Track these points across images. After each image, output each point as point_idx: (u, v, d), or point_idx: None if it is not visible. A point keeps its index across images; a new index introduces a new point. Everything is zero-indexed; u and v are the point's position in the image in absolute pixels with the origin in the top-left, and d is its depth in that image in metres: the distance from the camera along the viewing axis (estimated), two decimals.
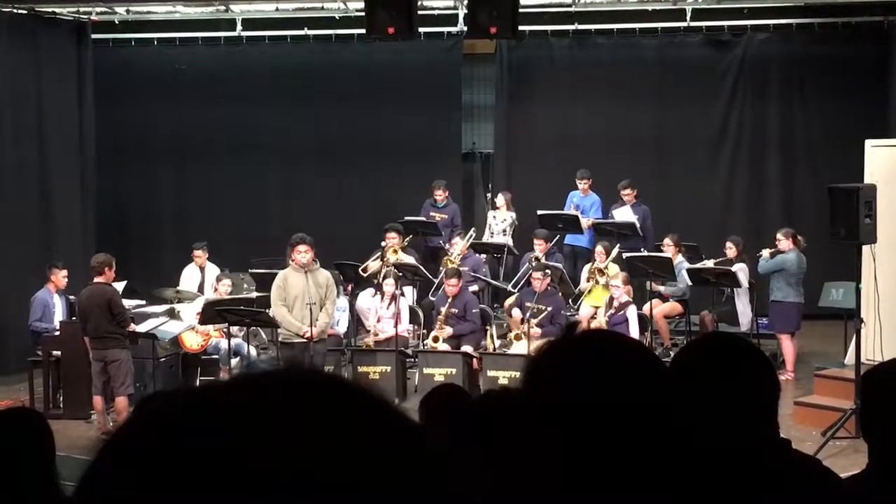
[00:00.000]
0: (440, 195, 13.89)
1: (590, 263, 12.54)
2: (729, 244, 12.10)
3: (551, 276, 11.99)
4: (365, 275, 12.23)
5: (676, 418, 1.61)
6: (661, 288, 12.09)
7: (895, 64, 13.93)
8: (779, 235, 11.73)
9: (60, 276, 11.35)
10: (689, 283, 11.91)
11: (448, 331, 11.37)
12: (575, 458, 1.51)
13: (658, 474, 1.53)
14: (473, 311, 11.58)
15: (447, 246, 13.15)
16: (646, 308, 11.52)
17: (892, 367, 2.96)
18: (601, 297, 11.79)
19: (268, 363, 12.17)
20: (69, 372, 10.63)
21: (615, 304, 11.23)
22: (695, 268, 11.85)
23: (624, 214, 13.12)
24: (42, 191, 13.39)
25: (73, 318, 10.95)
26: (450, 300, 11.48)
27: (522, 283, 11.78)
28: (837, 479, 2.44)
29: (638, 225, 12.81)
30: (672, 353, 11.73)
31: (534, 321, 11.01)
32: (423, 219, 13.64)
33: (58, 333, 10.93)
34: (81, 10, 13.59)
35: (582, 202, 13.69)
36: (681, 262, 12.07)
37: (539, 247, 12.60)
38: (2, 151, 12.84)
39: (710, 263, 11.99)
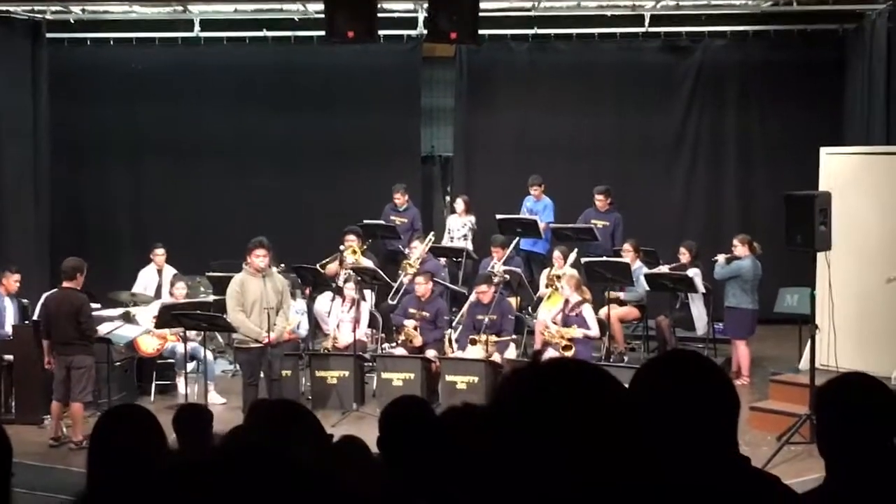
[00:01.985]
0: (400, 199, 13.89)
1: (547, 269, 12.58)
2: (682, 249, 12.20)
3: (510, 280, 12.00)
4: (323, 271, 12.16)
5: (638, 442, 1.62)
6: (621, 294, 12.14)
7: (850, 72, 14.10)
8: (735, 241, 11.83)
9: (13, 280, 11.17)
10: (647, 289, 11.98)
11: (419, 340, 11.33)
12: (540, 483, 1.52)
13: (622, 496, 1.54)
14: (444, 318, 11.56)
15: (406, 250, 13.13)
16: (602, 312, 11.57)
17: (845, 383, 2.98)
18: (559, 302, 11.83)
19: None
20: (21, 376, 10.48)
21: (568, 306, 11.26)
22: (652, 272, 11.93)
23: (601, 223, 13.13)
24: None
25: (27, 322, 10.82)
26: (422, 302, 11.44)
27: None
28: (796, 498, 2.45)
29: (606, 232, 12.88)
30: (626, 357, 11.84)
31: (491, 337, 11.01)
32: (382, 222, 13.62)
33: (10, 338, 10.77)
34: (36, 8, 13.42)
35: (535, 206, 13.73)
36: (639, 268, 12.14)
37: (496, 254, 12.61)
38: None
39: (664, 269, 12.07)
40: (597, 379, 1.55)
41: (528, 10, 13.94)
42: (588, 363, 1.64)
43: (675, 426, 2.14)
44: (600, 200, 13.30)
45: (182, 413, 5.44)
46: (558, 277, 11.76)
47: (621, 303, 12.25)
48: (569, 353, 10.80)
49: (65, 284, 9.83)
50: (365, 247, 12.67)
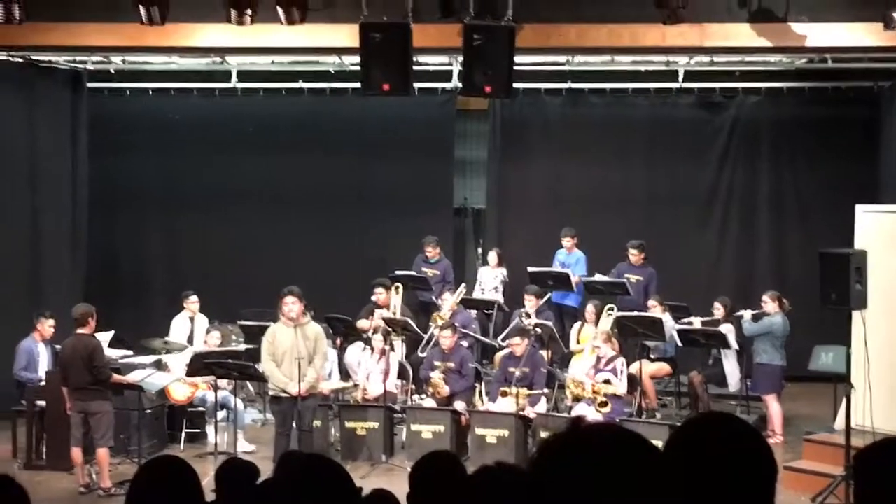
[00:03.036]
0: (431, 251, 13.91)
1: (579, 323, 12.52)
2: (717, 305, 12.12)
3: (542, 333, 11.96)
4: (367, 335, 12.12)
5: None
6: (650, 344, 12.07)
7: (885, 128, 14.06)
8: (765, 298, 11.76)
9: (47, 326, 11.27)
10: (679, 344, 11.89)
11: (446, 390, 11.29)
12: None
13: None
14: (469, 365, 11.53)
15: (437, 301, 13.13)
16: (634, 368, 11.49)
17: (886, 448, 2.93)
18: (590, 356, 11.74)
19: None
20: (53, 423, 10.52)
21: (601, 362, 11.19)
22: (684, 328, 11.84)
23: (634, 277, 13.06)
24: (32, 239, 13.35)
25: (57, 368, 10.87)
26: (446, 353, 11.42)
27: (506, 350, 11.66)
28: None
29: (639, 287, 12.81)
30: (658, 414, 11.72)
31: (522, 390, 10.95)
32: (413, 273, 13.63)
33: (43, 383, 10.84)
34: (77, 59, 13.64)
35: (567, 259, 13.70)
36: (666, 321, 12.06)
37: (530, 303, 12.60)
38: None
39: (697, 322, 11.99)
40: (637, 447, 1.55)
41: (563, 64, 14.02)
42: (627, 430, 1.63)
43: (712, 491, 2.11)
44: (634, 255, 13.24)
45: (227, 466, 5.37)
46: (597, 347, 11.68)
47: (652, 359, 12.17)
48: (605, 409, 10.72)
49: (78, 331, 9.88)
50: (399, 294, 12.68)
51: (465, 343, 12.23)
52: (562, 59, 13.82)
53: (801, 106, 14.69)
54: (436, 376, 11.33)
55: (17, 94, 13.19)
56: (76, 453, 9.82)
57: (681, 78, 14.27)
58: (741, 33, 10.67)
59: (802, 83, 14.56)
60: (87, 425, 9.74)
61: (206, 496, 3.32)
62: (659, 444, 1.94)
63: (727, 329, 11.66)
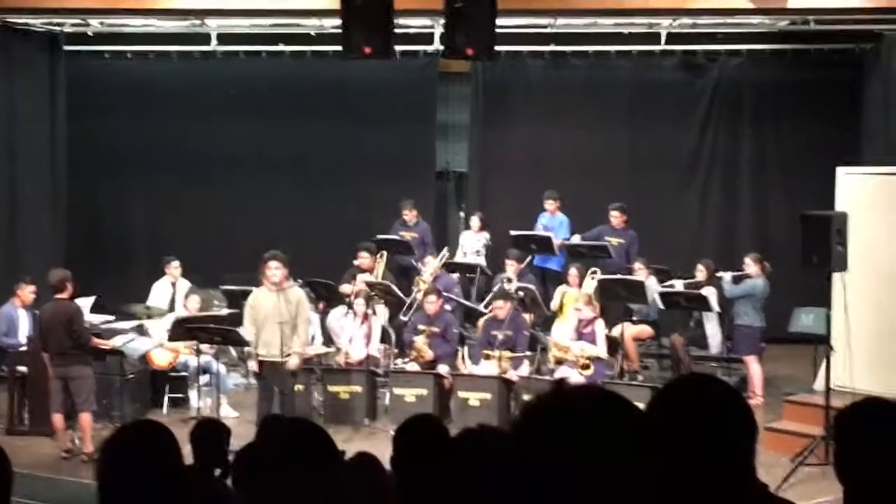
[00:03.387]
0: (409, 214, 13.88)
1: (562, 286, 12.54)
2: (700, 267, 12.14)
3: (525, 296, 11.97)
4: (350, 299, 12.10)
5: (657, 470, 1.61)
6: (632, 306, 12.12)
7: (867, 90, 14.07)
8: (747, 260, 11.80)
9: (27, 292, 11.21)
10: (661, 307, 11.94)
11: (430, 354, 11.31)
12: None
13: None
14: (454, 331, 11.55)
15: (419, 265, 13.12)
16: (616, 331, 11.53)
17: (865, 408, 2.95)
18: (572, 319, 11.77)
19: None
20: (35, 388, 10.50)
21: (581, 324, 11.23)
22: (666, 291, 11.88)
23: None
24: (11, 203, 13.25)
25: None
26: (430, 318, 11.43)
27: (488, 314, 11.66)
28: None
29: (620, 250, 12.82)
30: (640, 376, 11.78)
31: (505, 353, 10.98)
32: (396, 237, 13.62)
33: (24, 349, 10.80)
34: (55, 21, 13.48)
35: (550, 223, 13.70)
36: (651, 285, 12.09)
37: (511, 267, 12.60)
38: None
39: (679, 285, 12.02)
40: (619, 409, 1.55)
41: (545, 27, 13.95)
42: (609, 391, 1.63)
43: (693, 452, 2.12)
44: (616, 217, 13.24)
45: (199, 428, 5.42)
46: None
47: (634, 321, 12.22)
48: (587, 372, 10.77)
49: (56, 297, 9.83)
50: (381, 260, 12.66)
51: (447, 307, 12.24)
52: (544, 21, 13.75)
53: (784, 68, 14.68)
54: (419, 341, 11.34)
55: None
56: (58, 419, 9.80)
57: (663, 40, 14.22)
58: None
59: (785, 45, 14.54)
60: (68, 391, 9.71)
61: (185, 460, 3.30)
62: (641, 405, 1.94)
63: (709, 292, 11.70)
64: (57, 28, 13.74)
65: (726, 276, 11.78)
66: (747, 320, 11.62)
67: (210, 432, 5.37)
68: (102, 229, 15.35)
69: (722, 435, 2.16)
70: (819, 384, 10.06)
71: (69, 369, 9.67)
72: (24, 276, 11.51)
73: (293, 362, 9.96)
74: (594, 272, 12.12)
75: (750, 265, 11.70)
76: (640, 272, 12.22)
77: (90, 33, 14.20)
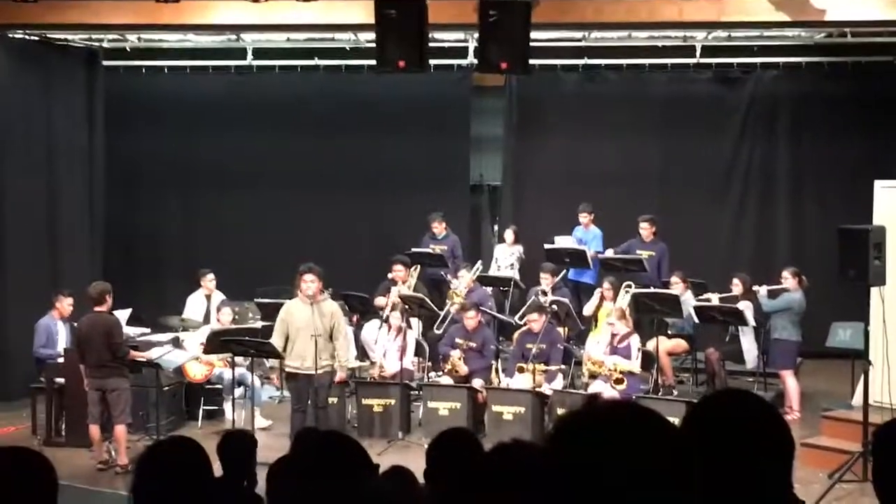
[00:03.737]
0: (438, 227, 13.89)
1: (595, 299, 12.49)
2: (735, 281, 12.05)
3: (559, 309, 11.94)
4: (385, 314, 12.14)
5: (691, 485, 1.60)
6: (668, 320, 12.06)
7: None
8: (785, 274, 11.70)
9: (66, 304, 11.32)
10: (696, 321, 11.86)
11: (464, 370, 11.29)
12: None
13: None
14: (491, 347, 11.53)
15: (449, 277, 13.11)
16: (651, 345, 11.46)
17: None
18: (606, 333, 11.72)
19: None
20: (72, 400, 10.59)
21: (616, 339, 11.18)
22: (701, 305, 11.80)
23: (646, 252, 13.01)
24: (50, 216, 13.39)
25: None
26: (469, 333, 11.42)
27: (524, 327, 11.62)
28: None
29: (652, 262, 12.76)
30: (675, 391, 11.70)
31: (539, 366, 10.95)
32: (429, 250, 13.62)
33: (61, 360, 10.90)
34: (93, 37, 13.65)
35: (583, 236, 13.68)
36: (687, 299, 12.02)
37: (546, 280, 12.58)
38: (11, 177, 12.86)
39: (715, 299, 11.94)
40: (653, 424, 1.54)
41: (579, 40, 13.95)
42: (643, 406, 1.63)
43: (729, 468, 2.10)
44: (645, 230, 13.20)
45: (226, 439, 5.44)
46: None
47: (669, 335, 12.15)
48: (621, 387, 10.71)
49: (95, 309, 9.91)
50: (415, 274, 12.67)
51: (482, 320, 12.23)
52: (578, 34, 13.76)
53: (820, 81, 14.58)
54: (455, 356, 11.33)
55: (33, 73, 13.21)
56: (94, 430, 9.87)
57: (698, 53, 14.18)
58: (759, 8, 10.59)
59: (821, 58, 14.45)
60: (105, 402, 9.78)
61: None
62: (676, 420, 1.93)
63: (745, 306, 11.60)
64: (95, 44, 13.91)
65: (762, 290, 11.69)
66: (784, 334, 11.52)
67: (237, 444, 5.39)
68: (139, 242, 15.49)
69: (758, 451, 2.14)
70: (857, 399, 9.95)
71: (107, 381, 9.74)
72: (62, 288, 11.63)
73: (340, 374, 10.02)
74: (628, 286, 12.07)
75: (787, 279, 11.61)
76: (677, 286, 12.15)
77: (128, 48, 14.36)
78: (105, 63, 14.30)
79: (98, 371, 9.74)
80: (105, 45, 14.00)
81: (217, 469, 5.46)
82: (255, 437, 5.75)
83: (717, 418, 2.19)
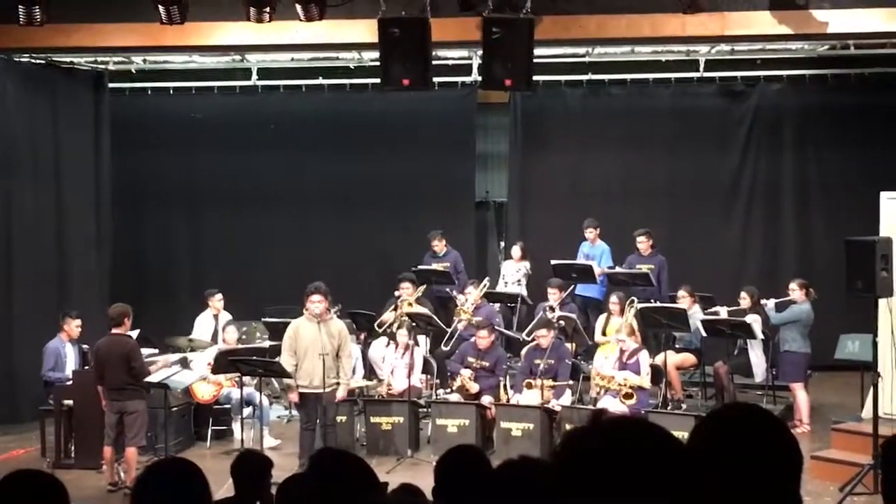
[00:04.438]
0: (438, 245, 13.87)
1: (604, 315, 12.49)
2: (743, 294, 12.04)
3: (566, 325, 11.93)
4: (380, 330, 12.20)
5: (699, 500, 1.60)
6: (675, 334, 12.04)
7: None
8: (792, 286, 11.70)
9: (74, 326, 11.34)
10: (704, 334, 11.84)
11: (475, 388, 11.28)
12: None
13: None
14: (503, 367, 11.51)
15: (455, 294, 13.10)
16: (659, 359, 11.44)
17: None
18: (614, 348, 11.71)
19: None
20: (81, 421, 10.59)
21: (625, 355, 11.15)
22: (709, 319, 11.78)
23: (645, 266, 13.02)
24: (57, 238, 13.42)
25: (87, 368, 10.92)
26: (481, 352, 11.40)
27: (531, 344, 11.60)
28: None
29: (653, 276, 12.76)
30: (684, 405, 11.67)
31: (547, 382, 10.94)
32: (436, 267, 13.62)
33: (70, 383, 10.91)
34: (99, 59, 13.71)
35: (591, 251, 13.68)
36: (695, 313, 12.01)
37: (553, 296, 12.57)
38: (18, 199, 12.91)
39: (723, 312, 11.92)
40: (660, 440, 1.54)
41: (582, 55, 13.98)
42: (649, 422, 1.63)
43: (737, 483, 2.10)
44: (643, 243, 13.23)
45: (241, 459, 5.43)
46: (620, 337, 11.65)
47: (677, 349, 12.13)
48: (630, 401, 10.69)
49: (113, 331, 9.92)
50: (419, 293, 12.68)
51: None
52: (581, 50, 13.79)
53: (824, 93, 14.60)
54: (466, 374, 11.31)
55: (40, 96, 13.27)
56: (108, 452, 9.85)
57: (701, 67, 14.21)
58: (762, 21, 10.60)
59: (825, 70, 14.48)
60: (122, 424, 9.78)
61: (213, 496, 3.33)
62: (684, 435, 1.93)
63: (753, 319, 11.59)
64: (101, 66, 13.97)
65: (769, 303, 11.68)
66: (794, 346, 11.50)
67: (251, 464, 5.38)
68: (146, 263, 15.52)
69: (767, 465, 2.14)
70: (867, 412, 9.92)
71: (126, 404, 9.73)
72: (70, 310, 11.65)
73: (340, 393, 10.03)
74: (631, 302, 12.05)
75: (795, 291, 11.60)
76: (684, 300, 12.14)
77: (133, 70, 14.42)
78: (111, 85, 14.35)
79: (117, 393, 9.73)
80: (111, 67, 14.06)
81: (223, 490, 5.47)
82: (270, 458, 5.73)
83: (724, 432, 2.19)
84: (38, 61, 13.14)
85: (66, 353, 11.31)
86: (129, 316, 9.94)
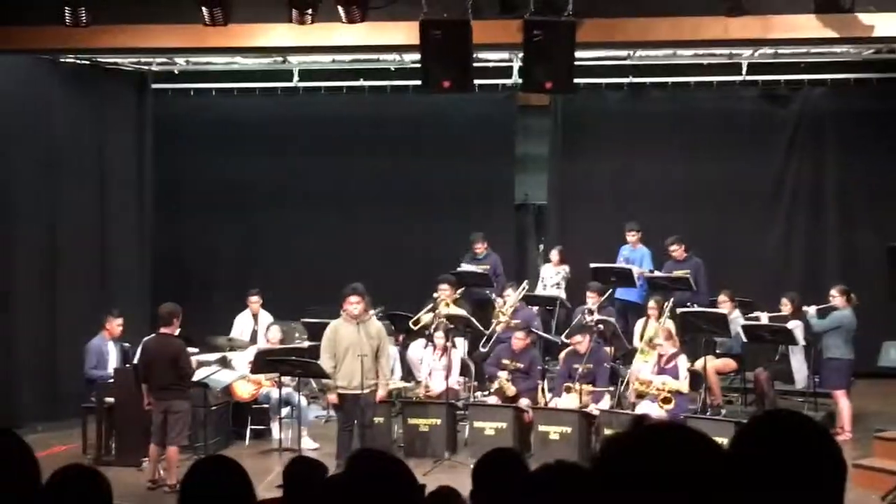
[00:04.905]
0: (479, 248, 13.87)
1: (643, 319, 12.42)
2: (784, 300, 11.94)
3: (604, 330, 11.88)
4: (416, 328, 12.22)
5: None
6: (716, 339, 11.95)
7: None
8: (833, 292, 11.57)
9: (116, 324, 11.46)
10: (744, 340, 11.74)
11: (512, 391, 11.27)
12: None
13: None
14: (538, 368, 11.49)
15: (494, 296, 13.09)
16: (698, 364, 11.36)
17: None
18: (653, 353, 11.64)
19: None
20: (122, 419, 10.71)
21: (663, 359, 11.09)
22: (749, 324, 11.68)
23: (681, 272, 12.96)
24: (100, 238, 13.58)
25: (128, 366, 11.03)
26: (516, 353, 11.39)
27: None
28: None
29: (692, 279, 12.68)
30: (724, 411, 11.57)
31: (586, 387, 10.91)
32: (475, 269, 13.60)
33: (112, 381, 11.01)
34: (142, 60, 13.85)
35: (631, 255, 13.61)
36: (735, 318, 11.91)
37: (592, 299, 12.54)
38: (62, 199, 13.07)
39: (764, 318, 11.82)
40: (701, 445, 1.53)
41: (624, 58, 13.92)
42: (690, 428, 1.61)
43: (778, 491, 2.07)
44: (676, 250, 13.17)
45: (294, 464, 5.42)
46: (651, 340, 11.60)
47: (717, 354, 12.03)
48: (668, 406, 10.62)
49: (162, 330, 10.00)
50: (458, 295, 12.68)
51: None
52: (623, 53, 13.73)
53: (869, 97, 14.42)
54: (503, 377, 11.29)
55: (84, 97, 13.43)
56: (154, 450, 9.94)
57: (744, 70, 14.08)
58: (806, 24, 10.48)
59: (870, 74, 14.30)
60: (164, 423, 9.86)
61: (257, 496, 3.36)
62: (724, 441, 1.91)
63: (794, 325, 11.48)
64: (145, 67, 14.11)
65: (811, 310, 11.56)
66: (837, 353, 11.36)
67: (304, 469, 5.36)
68: (187, 263, 15.62)
69: (809, 473, 2.11)
70: None
71: (171, 403, 9.82)
72: (112, 308, 11.77)
73: (380, 393, 10.06)
74: (671, 308, 11.97)
75: (835, 297, 11.48)
76: (725, 305, 12.05)
77: (176, 71, 14.54)
78: (154, 86, 14.49)
79: (163, 392, 9.82)
80: (154, 68, 14.19)
81: (260, 489, 5.49)
82: (325, 465, 5.70)
83: (766, 439, 2.16)
84: (82, 62, 13.29)
85: (108, 352, 11.43)
86: (178, 316, 10.02)
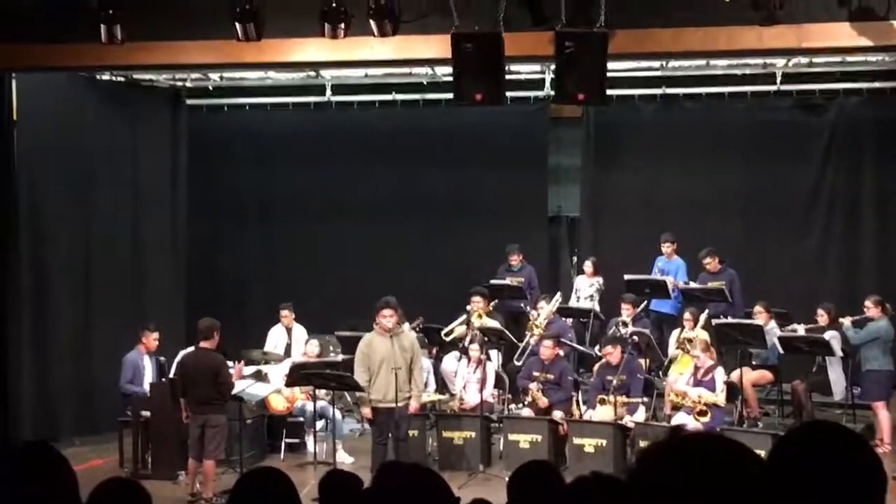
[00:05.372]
0: (515, 259, 13.87)
1: (678, 330, 12.36)
2: (821, 311, 11.84)
3: (639, 341, 11.82)
4: (448, 339, 12.22)
5: None
6: (752, 351, 11.86)
7: None
8: (867, 303, 11.48)
9: (152, 339, 11.54)
10: (781, 351, 11.64)
11: (544, 402, 11.24)
12: None
13: None
14: (568, 378, 11.46)
15: (528, 309, 13.07)
16: (735, 375, 11.27)
17: None
18: (689, 365, 11.58)
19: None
20: (158, 433, 10.77)
21: (700, 372, 11.01)
22: (786, 335, 11.58)
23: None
24: (134, 252, 13.70)
25: (164, 380, 11.09)
26: (545, 364, 11.36)
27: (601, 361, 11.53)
28: None
29: (727, 290, 12.60)
30: (760, 423, 11.48)
31: (620, 398, 10.86)
32: (508, 282, 13.60)
33: (148, 395, 11.08)
34: (177, 76, 13.97)
35: (666, 266, 13.54)
36: (771, 329, 11.82)
37: (626, 311, 12.50)
38: (98, 214, 13.20)
39: (801, 330, 11.72)
40: (740, 457, 1.51)
41: (657, 69, 13.87)
42: (729, 439, 1.59)
43: (820, 502, 2.05)
44: (710, 263, 13.11)
45: (329, 477, 5.42)
46: (689, 341, 11.54)
47: (754, 366, 11.94)
48: (704, 419, 10.55)
49: (202, 344, 10.04)
50: (491, 308, 12.66)
51: (560, 352, 12.15)
52: (655, 64, 13.68)
53: None
54: (534, 388, 11.27)
55: (119, 113, 13.58)
56: (192, 464, 9.98)
57: (779, 80, 13.98)
58: (841, 33, 10.39)
59: None
60: (202, 436, 9.90)
61: None
62: (761, 453, 1.89)
63: (831, 336, 11.38)
64: (179, 83, 14.23)
65: (847, 321, 11.45)
66: (876, 365, 11.26)
67: (339, 482, 5.35)
68: (221, 276, 15.71)
69: (849, 486, 2.09)
70: None
71: (209, 417, 9.86)
72: (148, 323, 11.85)
73: (413, 404, 10.05)
74: (704, 317, 11.90)
75: (870, 308, 11.38)
76: (760, 316, 11.95)
77: (210, 87, 14.66)
78: (188, 102, 14.61)
79: (201, 407, 9.87)
80: (188, 84, 14.31)
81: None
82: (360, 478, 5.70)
83: (806, 451, 2.14)
84: (118, 79, 13.43)
85: (144, 366, 11.50)
86: (217, 330, 10.06)
